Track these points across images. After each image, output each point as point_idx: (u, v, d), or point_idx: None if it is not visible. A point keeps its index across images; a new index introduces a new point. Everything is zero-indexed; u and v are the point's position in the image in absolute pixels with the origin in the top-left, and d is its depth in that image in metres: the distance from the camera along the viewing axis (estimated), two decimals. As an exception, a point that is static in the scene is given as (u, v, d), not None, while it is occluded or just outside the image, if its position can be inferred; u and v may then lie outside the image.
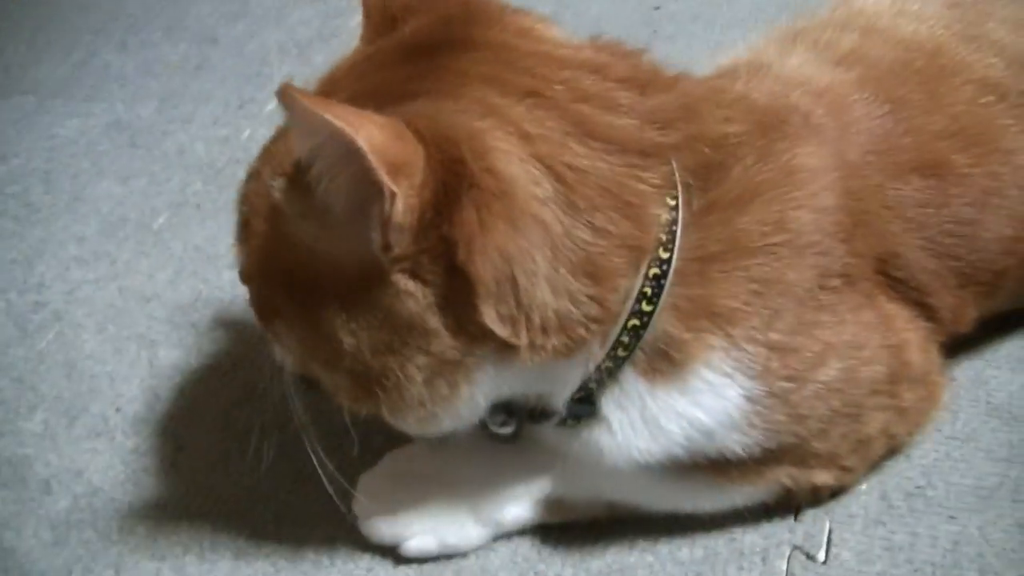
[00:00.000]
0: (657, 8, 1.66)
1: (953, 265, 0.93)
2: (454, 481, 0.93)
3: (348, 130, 0.66)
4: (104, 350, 1.16)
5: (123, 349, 1.16)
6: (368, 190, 0.69)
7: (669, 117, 0.82)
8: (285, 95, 0.68)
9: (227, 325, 1.17)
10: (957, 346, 1.02)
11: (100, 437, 1.08)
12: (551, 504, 0.92)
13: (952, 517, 0.94)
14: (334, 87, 0.82)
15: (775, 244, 0.81)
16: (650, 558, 0.92)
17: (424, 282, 0.74)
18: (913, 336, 0.92)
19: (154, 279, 1.23)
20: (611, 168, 0.77)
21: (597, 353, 0.79)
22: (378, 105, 0.74)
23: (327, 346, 0.77)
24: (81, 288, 1.24)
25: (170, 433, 1.07)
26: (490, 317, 0.74)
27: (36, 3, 1.83)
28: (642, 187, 0.77)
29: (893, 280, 0.91)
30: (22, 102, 1.57)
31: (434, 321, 0.75)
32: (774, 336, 0.81)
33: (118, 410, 1.10)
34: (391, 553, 0.94)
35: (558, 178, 0.75)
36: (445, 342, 0.76)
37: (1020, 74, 0.98)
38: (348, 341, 0.76)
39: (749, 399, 0.82)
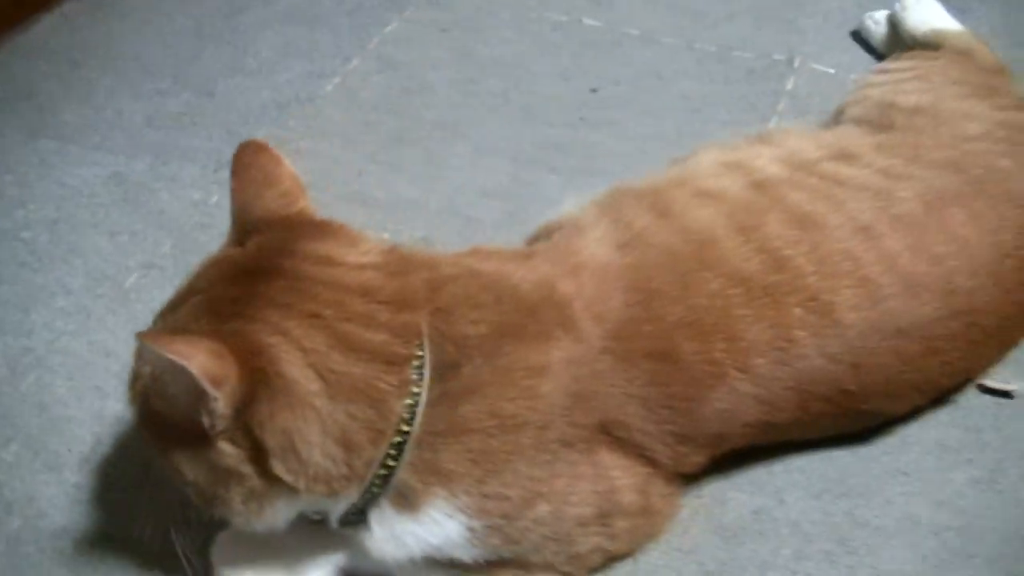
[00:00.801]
0: (594, 91, 1.98)
1: (672, 429, 1.29)
2: (280, 548, 1.34)
3: (182, 361, 1.05)
4: (69, 396, 1.57)
5: (83, 397, 1.57)
6: (198, 392, 1.08)
7: (420, 328, 1.19)
8: (141, 338, 1.08)
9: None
10: (711, 465, 1.36)
11: (52, 471, 1.49)
12: (348, 572, 1.32)
13: (653, 617, 1.31)
14: (190, 293, 1.21)
15: (488, 426, 1.19)
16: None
17: (238, 446, 1.14)
18: (628, 481, 1.28)
19: (116, 336, 1.63)
20: (363, 372, 1.15)
21: (356, 493, 1.19)
22: (213, 317, 1.14)
23: (178, 473, 1.18)
24: (61, 338, 1.65)
25: (104, 476, 1.48)
26: (280, 470, 1.15)
27: (74, 42, 2.21)
28: (384, 387, 1.16)
29: (616, 438, 1.27)
30: (47, 146, 1.95)
31: (246, 469, 1.15)
32: (487, 489, 1.20)
33: (69, 450, 1.51)
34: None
35: (324, 379, 1.14)
36: (253, 482, 1.16)
37: (769, 271, 1.31)
38: (190, 474, 1.17)
39: (469, 529, 1.20)
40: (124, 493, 1.44)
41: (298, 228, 1.24)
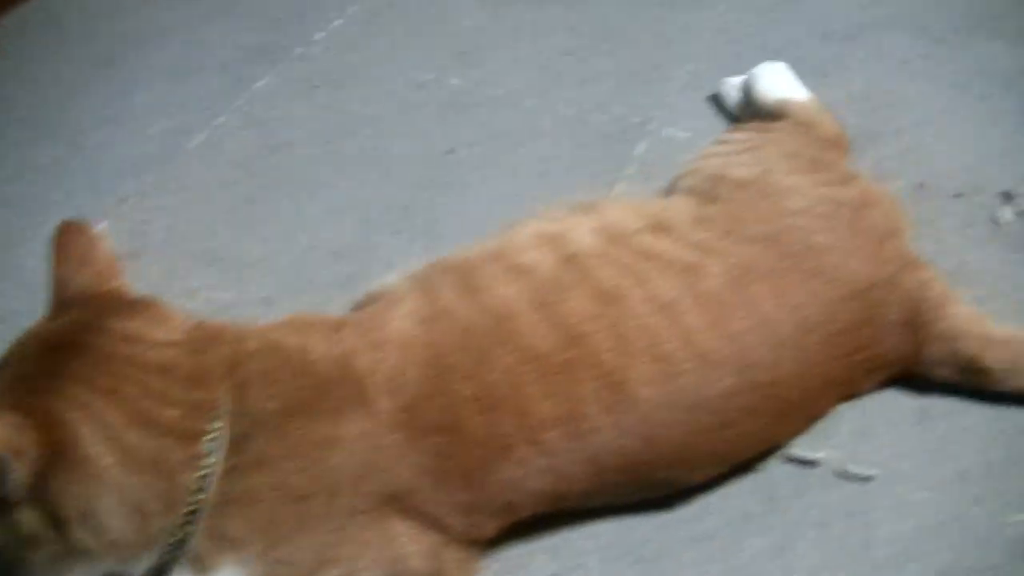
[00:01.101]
0: (450, 152, 2.05)
1: (462, 500, 1.35)
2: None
3: None
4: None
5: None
6: None
7: (215, 403, 1.26)
8: None
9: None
10: (513, 529, 1.42)
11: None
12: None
13: None
14: (5, 363, 1.27)
15: (276, 496, 1.27)
16: None
17: (39, 513, 1.20)
18: (418, 548, 1.34)
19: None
20: (156, 447, 1.23)
21: (152, 558, 1.26)
22: (20, 390, 1.22)
23: None
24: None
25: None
26: (79, 536, 1.21)
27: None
28: (175, 460, 1.23)
29: (406, 507, 1.34)
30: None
31: (47, 534, 1.22)
32: (275, 555, 1.27)
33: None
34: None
35: (120, 453, 1.21)
36: (55, 546, 1.22)
37: (564, 348, 1.38)
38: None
39: None
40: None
41: (108, 306, 1.32)
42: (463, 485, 1.34)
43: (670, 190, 1.78)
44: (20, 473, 1.16)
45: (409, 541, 1.34)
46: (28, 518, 1.20)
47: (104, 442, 1.21)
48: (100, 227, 1.91)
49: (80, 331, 1.28)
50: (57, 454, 1.18)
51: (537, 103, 2.17)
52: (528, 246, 1.52)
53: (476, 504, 1.36)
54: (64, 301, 1.34)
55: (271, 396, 1.31)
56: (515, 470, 1.35)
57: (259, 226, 1.95)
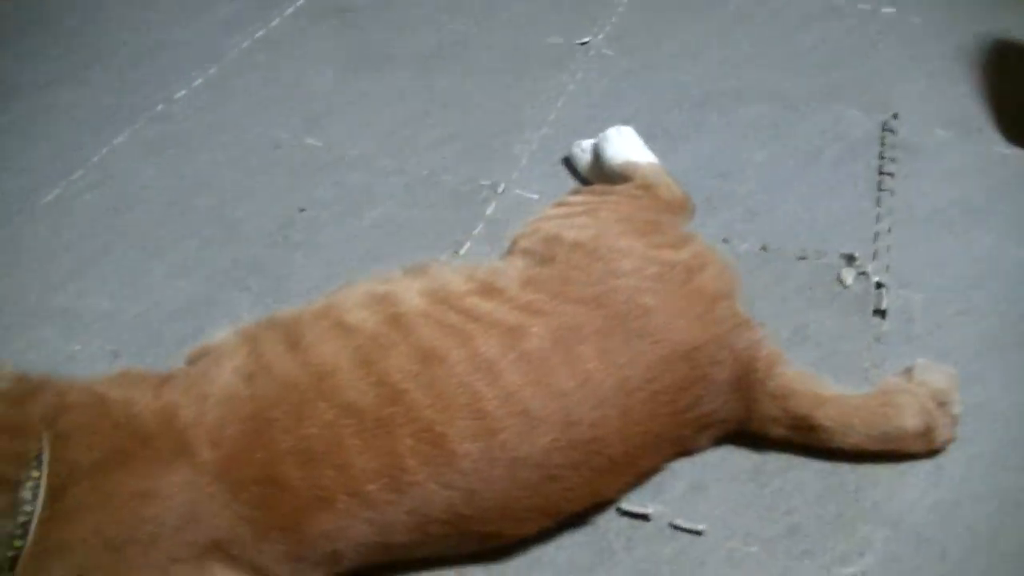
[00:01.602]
0: (302, 210, 2.08)
1: (284, 549, 1.37)
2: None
3: None
4: None
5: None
6: None
7: (34, 453, 1.28)
8: None
9: None
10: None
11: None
12: None
13: None
14: None
15: (92, 544, 1.27)
16: None
17: None
18: (248, 598, 1.36)
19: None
20: None
21: None
22: None
23: None
24: None
25: None
26: None
27: None
28: None
29: (229, 555, 1.35)
30: None
31: None
32: None
33: None
34: None
35: None
36: None
37: (384, 404, 1.41)
38: None
39: None
40: None
41: None
42: (284, 535, 1.36)
43: (508, 251, 1.82)
44: None
45: None
46: None
47: None
48: None
49: None
50: None
51: (390, 164, 2.21)
52: (355, 305, 1.55)
53: (298, 554, 1.37)
54: None
55: (90, 447, 1.32)
56: (336, 521, 1.37)
57: (106, 282, 1.95)
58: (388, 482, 1.38)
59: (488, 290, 1.58)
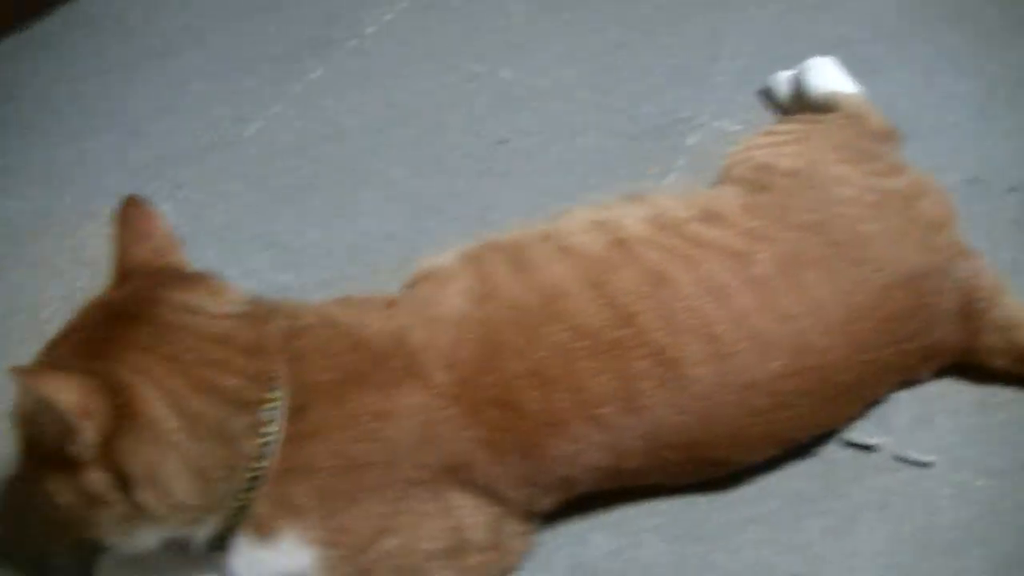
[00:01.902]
0: (503, 142, 2.08)
1: (519, 472, 1.37)
2: (156, 568, 1.42)
3: (52, 395, 1.15)
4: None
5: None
6: (68, 424, 1.17)
7: (273, 374, 1.29)
8: (15, 373, 1.18)
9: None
10: (574, 504, 1.44)
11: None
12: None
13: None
14: (67, 332, 1.31)
15: (333, 465, 1.29)
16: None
17: (106, 474, 1.23)
18: (478, 519, 1.37)
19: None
20: (217, 414, 1.25)
21: (217, 522, 1.28)
22: (85, 355, 1.25)
23: (51, 498, 1.26)
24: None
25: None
26: (143, 499, 1.24)
27: (8, 78, 2.30)
28: (237, 427, 1.26)
29: (464, 479, 1.36)
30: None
31: (113, 496, 1.24)
32: (336, 522, 1.29)
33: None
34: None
35: (183, 418, 1.23)
36: (121, 507, 1.25)
37: (616, 326, 1.40)
38: (62, 500, 1.25)
39: (321, 559, 1.30)
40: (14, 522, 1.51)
41: (167, 278, 1.34)
42: (520, 459, 1.36)
43: (718, 180, 1.80)
44: (89, 434, 1.18)
45: (468, 513, 1.36)
46: (95, 479, 1.22)
47: (169, 407, 1.23)
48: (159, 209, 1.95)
49: (141, 301, 1.31)
50: (124, 417, 1.21)
51: (588, 95, 2.19)
52: (578, 230, 1.55)
53: (533, 477, 1.38)
54: (125, 273, 1.37)
55: (327, 368, 1.34)
56: (571, 445, 1.37)
57: (316, 211, 1.98)
58: (622, 405, 1.37)
59: (710, 216, 1.56)
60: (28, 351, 1.68)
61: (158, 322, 1.28)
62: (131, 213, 1.39)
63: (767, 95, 2.18)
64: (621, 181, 1.94)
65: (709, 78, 2.25)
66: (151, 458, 1.22)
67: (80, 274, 1.87)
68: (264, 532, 1.30)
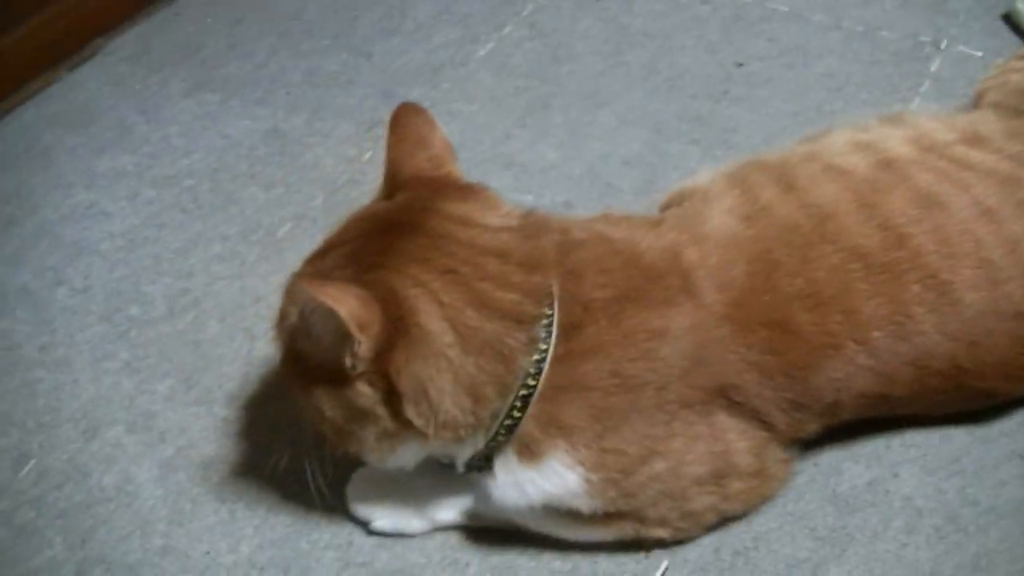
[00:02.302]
0: (740, 65, 2.04)
1: (788, 396, 1.34)
2: (410, 489, 1.43)
3: (333, 305, 1.15)
4: (221, 336, 1.69)
5: (234, 338, 1.69)
6: (344, 334, 1.18)
7: (549, 289, 1.27)
8: (298, 280, 1.19)
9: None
10: (829, 435, 1.41)
11: (203, 405, 1.61)
12: (471, 514, 1.42)
13: (759, 576, 1.38)
14: (337, 242, 1.31)
15: (608, 385, 1.27)
16: (532, 563, 1.39)
17: (375, 388, 1.23)
18: (744, 444, 1.34)
19: (266, 282, 1.74)
20: (494, 329, 1.24)
21: (481, 441, 1.28)
22: (358, 266, 1.24)
23: (317, 411, 1.28)
24: (216, 282, 1.76)
25: (250, 413, 1.59)
26: (411, 414, 1.24)
27: (237, 0, 2.34)
28: (513, 343, 1.24)
29: (733, 402, 1.34)
30: (210, 99, 2.08)
31: (380, 411, 1.25)
32: (606, 444, 1.27)
33: (220, 387, 1.63)
34: (366, 526, 1.44)
35: (458, 333, 1.23)
36: (386, 423, 1.26)
37: (890, 248, 1.36)
38: (328, 412, 1.27)
39: (587, 481, 1.28)
40: (267, 429, 1.56)
41: (443, 189, 1.33)
42: (790, 381, 1.33)
43: (972, 105, 1.74)
44: (364, 346, 1.18)
45: (736, 437, 1.33)
46: (364, 393, 1.23)
47: (444, 321, 1.22)
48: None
49: (416, 212, 1.29)
50: (398, 330, 1.20)
51: (824, 19, 2.13)
52: (842, 151, 1.50)
53: (801, 401, 1.34)
54: (398, 182, 1.35)
55: (602, 284, 1.31)
56: (841, 369, 1.33)
57: (551, 133, 1.96)
58: (894, 329, 1.33)
59: (973, 139, 1.51)
60: (268, 269, 1.74)
61: (435, 234, 1.27)
62: (407, 119, 1.38)
63: (1007, 20, 2.10)
64: (863, 107, 1.89)
65: (948, 2, 2.17)
66: (425, 373, 1.21)
67: (315, 193, 1.89)
68: (531, 452, 1.28)
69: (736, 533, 1.41)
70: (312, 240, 1.38)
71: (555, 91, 2.04)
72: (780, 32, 2.11)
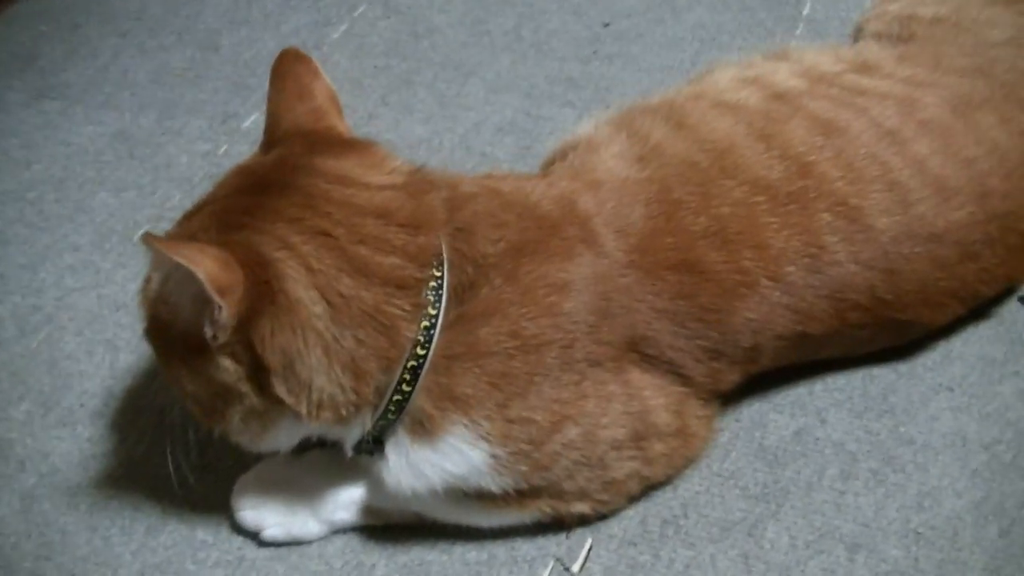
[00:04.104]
0: (607, 25, 1.90)
1: (703, 344, 1.20)
2: (301, 488, 1.26)
3: (191, 266, 0.98)
4: (80, 351, 1.50)
5: (94, 352, 1.50)
6: (204, 299, 1.01)
7: (437, 249, 1.11)
8: (146, 241, 1.00)
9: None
10: (749, 387, 1.29)
11: (65, 427, 1.42)
12: (370, 510, 1.25)
13: (691, 544, 1.22)
14: (206, 202, 1.14)
15: (508, 348, 1.11)
16: (444, 557, 1.24)
17: (238, 362, 1.06)
18: (662, 401, 1.20)
19: (126, 289, 1.56)
20: (372, 297, 1.07)
21: (368, 420, 1.11)
22: (223, 226, 1.07)
23: (180, 385, 1.11)
24: (70, 295, 1.57)
25: (117, 429, 1.40)
26: (280, 390, 1.07)
27: (74, 4, 2.12)
28: (396, 311, 1.08)
29: (646, 356, 1.19)
30: (51, 107, 1.88)
31: (244, 387, 1.07)
32: (510, 413, 1.11)
33: (82, 405, 1.44)
34: (257, 537, 1.27)
35: (330, 302, 1.06)
36: (252, 400, 1.08)
37: (794, 178, 1.23)
38: (189, 387, 1.09)
39: (493, 456, 1.12)
40: (139, 444, 1.38)
41: (322, 144, 1.17)
42: (704, 327, 1.19)
43: (853, 40, 1.66)
44: (224, 313, 1.02)
45: (653, 394, 1.19)
46: (226, 367, 1.07)
47: (313, 289, 1.06)
48: (245, 126, 1.78)
49: (291, 168, 1.13)
50: (263, 296, 1.04)
51: (688, -29, 2.01)
52: (729, 87, 1.39)
53: (718, 349, 1.21)
54: (277, 136, 1.19)
55: (495, 239, 1.15)
56: (756, 308, 1.20)
57: (418, 108, 1.80)
58: (808, 263, 1.21)
59: (862, 67, 1.41)
60: (127, 276, 1.56)
61: (309, 192, 1.10)
62: (288, 68, 1.22)
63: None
64: (737, 55, 1.75)
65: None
66: (293, 347, 1.05)
67: (171, 193, 1.71)
68: (425, 430, 1.12)
69: (662, 501, 1.27)
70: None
71: (417, 67, 1.88)
72: (644, -12, 1.97)
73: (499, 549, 1.24)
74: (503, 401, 1.11)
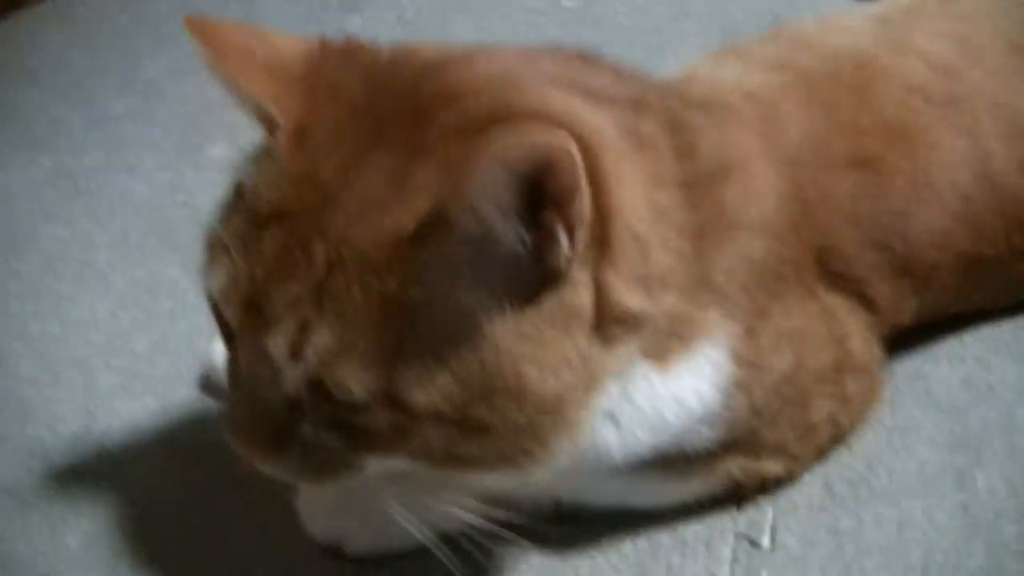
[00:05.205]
0: None
1: (889, 257, 0.95)
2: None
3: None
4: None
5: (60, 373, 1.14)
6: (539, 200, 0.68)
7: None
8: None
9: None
10: (894, 342, 1.03)
11: (35, 457, 1.05)
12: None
13: (895, 502, 0.94)
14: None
15: (751, 220, 0.84)
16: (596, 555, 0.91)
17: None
18: (855, 327, 0.94)
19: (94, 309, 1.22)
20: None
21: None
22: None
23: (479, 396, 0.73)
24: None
25: (102, 453, 1.07)
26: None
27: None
28: None
29: (832, 273, 0.94)
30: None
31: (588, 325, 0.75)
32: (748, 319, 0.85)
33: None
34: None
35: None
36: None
37: (942, 79, 1.02)
38: (529, 369, 0.73)
39: (734, 383, 0.85)
40: (128, 472, 1.06)
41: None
42: (889, 235, 0.96)
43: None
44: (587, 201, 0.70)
45: (847, 316, 0.95)
46: (582, 279, 0.74)
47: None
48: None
49: None
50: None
51: None
52: (836, 17, 1.17)
53: (903, 265, 0.97)
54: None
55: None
56: (937, 215, 0.98)
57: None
58: (979, 168, 1.00)
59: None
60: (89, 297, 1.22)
61: None
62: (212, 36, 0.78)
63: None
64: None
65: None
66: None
67: (132, 222, 1.38)
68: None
69: (841, 463, 0.99)
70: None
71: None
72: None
73: (661, 535, 0.93)
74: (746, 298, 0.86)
